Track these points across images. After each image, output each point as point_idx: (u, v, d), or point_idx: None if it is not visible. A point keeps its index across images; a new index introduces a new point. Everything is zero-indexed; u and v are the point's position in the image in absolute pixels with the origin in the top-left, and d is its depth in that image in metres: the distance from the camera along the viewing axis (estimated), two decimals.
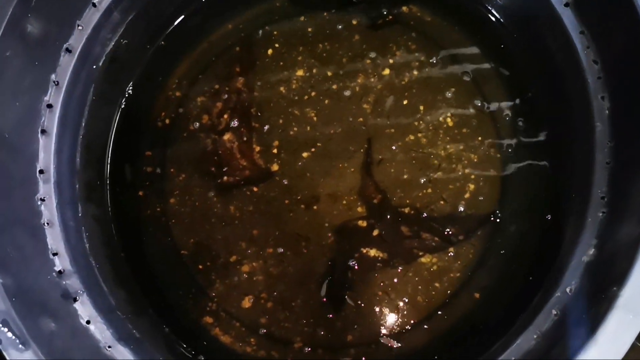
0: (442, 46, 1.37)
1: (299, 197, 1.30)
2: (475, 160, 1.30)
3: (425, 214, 1.27)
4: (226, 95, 1.36)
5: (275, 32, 1.39)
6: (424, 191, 1.29)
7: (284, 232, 1.29)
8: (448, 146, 1.31)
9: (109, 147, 1.29)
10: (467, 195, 1.28)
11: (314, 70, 1.37)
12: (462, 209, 1.27)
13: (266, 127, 1.34)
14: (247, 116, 1.35)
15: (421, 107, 1.33)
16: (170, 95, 1.37)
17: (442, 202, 1.28)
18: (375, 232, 1.26)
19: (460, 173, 1.30)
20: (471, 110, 1.33)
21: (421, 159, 1.31)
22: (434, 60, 1.36)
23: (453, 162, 1.30)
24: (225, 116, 1.35)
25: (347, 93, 1.35)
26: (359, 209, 1.29)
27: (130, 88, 1.34)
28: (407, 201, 1.29)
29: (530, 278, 1.13)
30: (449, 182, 1.29)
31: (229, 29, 1.41)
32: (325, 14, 1.39)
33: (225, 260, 1.28)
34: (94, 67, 1.18)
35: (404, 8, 1.38)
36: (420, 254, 1.25)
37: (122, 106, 1.33)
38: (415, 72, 1.35)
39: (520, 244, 1.22)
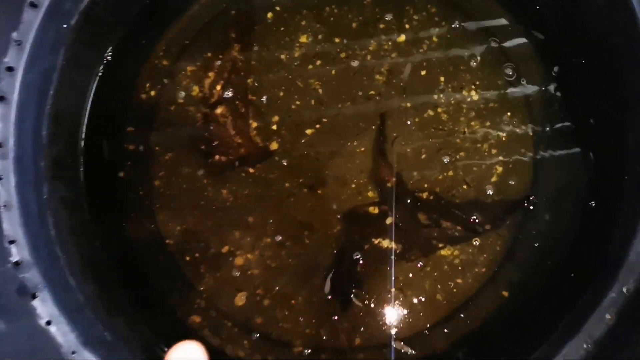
0: (465, 9, 1.20)
1: (301, 180, 1.14)
2: (504, 139, 1.14)
3: (446, 200, 1.11)
4: (220, 64, 1.20)
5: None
6: (445, 174, 1.12)
7: (284, 219, 1.13)
8: (472, 123, 1.14)
9: (83, 120, 1.13)
10: (494, 179, 1.12)
11: (320, 37, 1.20)
12: (489, 193, 1.11)
13: (264, 100, 1.18)
14: (243, 88, 1.19)
15: (441, 79, 1.17)
16: (157, 64, 1.21)
17: (465, 187, 1.12)
18: (389, 220, 1.10)
19: (486, 153, 1.13)
20: (499, 82, 1.16)
21: (442, 137, 1.14)
22: (456, 24, 1.19)
23: (478, 141, 1.14)
24: (218, 88, 1.19)
25: (357, 63, 1.18)
26: (370, 194, 1.13)
27: (110, 53, 1.17)
28: (425, 185, 1.12)
29: (572, 275, 0.97)
30: (473, 163, 1.13)
31: None
32: None
33: (216, 251, 1.12)
34: (65, 26, 1.02)
35: None
36: (440, 245, 1.09)
37: (100, 74, 1.16)
38: (435, 39, 1.19)
39: (557, 234, 1.06)
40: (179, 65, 1.21)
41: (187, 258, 1.12)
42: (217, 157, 1.16)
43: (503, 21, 1.18)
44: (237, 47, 1.21)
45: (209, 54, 1.21)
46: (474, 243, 1.09)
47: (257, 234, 1.13)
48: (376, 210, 1.12)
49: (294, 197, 1.14)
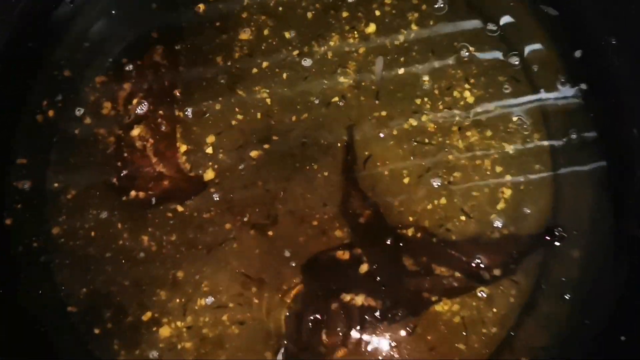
0: None
1: (245, 219, 0.86)
2: (512, 152, 0.86)
3: (438, 237, 0.83)
4: (137, 72, 0.93)
5: None
6: (436, 202, 0.85)
7: (225, 272, 0.85)
8: (468, 133, 0.87)
9: None
10: (501, 206, 0.84)
11: (266, 32, 0.93)
12: (496, 226, 0.83)
13: (195, 116, 0.90)
14: (168, 101, 0.92)
15: (425, 78, 0.90)
16: (56, 75, 0.93)
17: (463, 218, 0.84)
18: (364, 268, 0.82)
19: (488, 173, 0.86)
20: (500, 78, 0.89)
21: (429, 153, 0.87)
22: (440, 4, 0.93)
23: (477, 156, 0.86)
24: (135, 102, 0.91)
25: (313, 62, 0.92)
26: (338, 233, 0.85)
27: None
28: (410, 218, 0.84)
29: (622, 338, 0.69)
30: (472, 187, 0.85)
31: None
32: None
33: (135, 320, 0.84)
34: None
35: None
36: (434, 298, 0.81)
37: None
38: (415, 26, 0.92)
39: (593, 278, 0.78)
40: (85, 75, 0.94)
41: (96, 331, 0.84)
42: (134, 193, 0.88)
43: None
44: (160, 50, 0.94)
45: (124, 60, 0.93)
46: (480, 294, 0.81)
47: (188, 294, 0.84)
48: (346, 256, 0.83)
49: (236, 242, 0.86)
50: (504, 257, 0.80)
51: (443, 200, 0.85)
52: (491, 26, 0.90)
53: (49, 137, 0.92)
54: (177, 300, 0.84)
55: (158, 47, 0.94)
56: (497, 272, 0.80)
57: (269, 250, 0.86)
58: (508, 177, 0.85)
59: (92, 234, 0.88)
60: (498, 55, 0.90)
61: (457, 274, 0.81)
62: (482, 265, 0.81)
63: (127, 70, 0.93)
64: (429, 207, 0.85)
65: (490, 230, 0.83)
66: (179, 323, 0.84)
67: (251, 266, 0.85)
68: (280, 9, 0.94)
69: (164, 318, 0.84)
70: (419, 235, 0.83)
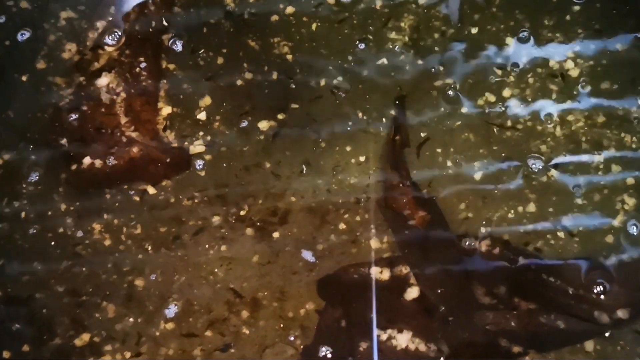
0: None
1: (242, 212, 0.60)
2: (635, 146, 0.60)
3: (524, 257, 0.56)
4: (117, 9, 0.69)
5: None
6: (520, 209, 0.58)
7: (205, 286, 0.58)
8: (570, 117, 0.61)
9: None
10: (620, 219, 0.57)
11: None
12: (613, 247, 0.56)
13: (187, 70, 0.66)
14: (153, 49, 0.67)
15: (508, 41, 0.65)
16: (9, 5, 0.69)
17: (561, 234, 0.57)
18: (412, 295, 0.55)
19: (600, 174, 0.59)
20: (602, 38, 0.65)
21: (512, 141, 0.61)
22: None
23: (582, 149, 0.60)
24: (109, 47, 0.67)
25: (354, 10, 0.67)
26: (375, 243, 0.58)
27: None
28: (483, 229, 0.58)
29: None
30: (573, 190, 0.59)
31: None
32: None
33: (64, 343, 0.57)
34: None
35: None
36: (517, 349, 0.53)
37: None
38: None
39: None
40: (49, 8, 0.70)
41: (5, 354, 0.56)
42: (88, 160, 0.62)
43: None
44: None
45: None
46: (589, 348, 0.53)
47: (148, 313, 0.57)
48: (386, 275, 0.56)
49: (226, 243, 0.60)
50: (630, 291, 0.53)
51: (531, 208, 0.58)
52: None
53: None
54: (131, 320, 0.57)
55: None
56: (621, 314, 0.53)
57: (273, 259, 0.59)
58: (630, 181, 0.59)
59: (22, 215, 0.62)
60: (614, 3, 0.66)
61: (556, 314, 0.53)
62: (595, 301, 0.53)
63: (104, 5, 0.69)
64: (511, 215, 0.58)
65: (605, 253, 0.56)
66: (127, 354, 0.56)
67: (244, 280, 0.59)
68: None
69: (107, 345, 0.57)
70: (495, 251, 0.56)
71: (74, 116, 0.64)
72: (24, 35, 0.69)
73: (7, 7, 0.70)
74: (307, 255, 0.59)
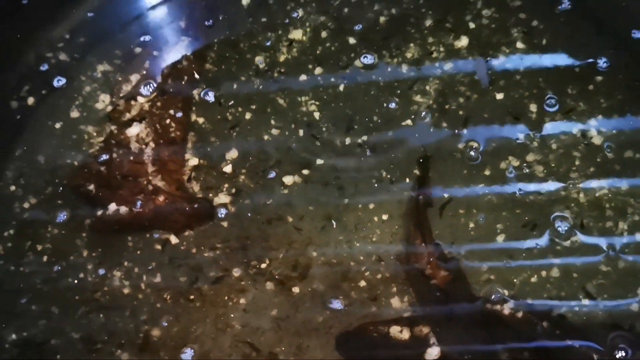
0: None
1: (263, 265, 0.60)
2: None
3: (549, 322, 0.55)
4: (151, 64, 0.72)
5: None
6: (544, 273, 0.57)
7: (223, 338, 0.57)
8: (594, 184, 0.61)
9: None
10: None
11: (323, 34, 0.72)
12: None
13: (216, 124, 0.67)
14: (183, 102, 0.69)
15: (532, 108, 0.66)
16: (49, 57, 0.72)
17: (586, 302, 0.56)
18: (433, 355, 0.53)
19: (625, 241, 0.59)
20: (627, 96, 0.65)
21: (535, 205, 0.61)
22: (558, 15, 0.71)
23: (607, 216, 0.60)
24: (142, 99, 0.69)
25: (383, 74, 0.69)
26: (396, 302, 0.57)
27: None
28: (506, 291, 0.57)
29: None
30: (599, 258, 0.58)
31: None
32: None
33: None
34: None
35: None
36: None
37: None
38: (520, 44, 0.70)
39: None
40: (86, 61, 0.73)
41: None
42: (113, 207, 0.63)
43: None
44: (185, 41, 0.73)
45: (138, 49, 0.73)
46: None
47: None
48: (406, 335, 0.55)
49: (245, 296, 0.59)
50: None
51: (555, 273, 0.58)
52: (637, 34, 0.68)
53: (19, 130, 0.69)
54: None
55: (184, 37, 0.73)
56: None
57: (292, 314, 0.58)
58: None
59: (44, 258, 0.62)
60: (637, 74, 0.67)
61: None
62: None
63: (139, 59, 0.72)
64: (534, 279, 0.58)
65: (630, 321, 0.55)
66: None
67: (262, 334, 0.58)
68: (346, 10, 0.73)
69: None
70: (518, 315, 0.55)
71: (103, 163, 0.66)
72: (59, 82, 0.72)
73: (47, 57, 0.74)
74: (327, 311, 0.58)
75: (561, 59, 0.68)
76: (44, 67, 0.72)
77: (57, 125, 0.69)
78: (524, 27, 0.70)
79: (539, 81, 0.67)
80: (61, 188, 0.65)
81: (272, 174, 0.65)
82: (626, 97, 0.65)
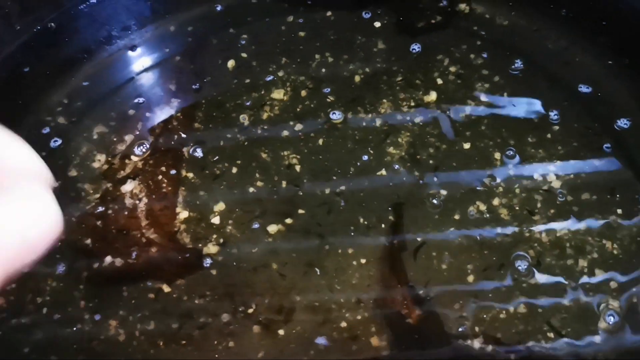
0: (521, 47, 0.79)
1: (250, 310, 0.64)
2: (616, 252, 0.64)
3: (517, 355, 0.59)
4: (143, 125, 0.77)
5: (243, 36, 0.84)
6: (511, 309, 0.62)
7: None
8: (555, 225, 0.66)
9: None
10: (603, 325, 0.60)
11: (303, 93, 0.78)
12: (598, 349, 0.59)
13: (204, 179, 0.72)
14: (173, 159, 0.74)
15: (496, 156, 0.71)
16: (48, 120, 0.78)
17: (551, 335, 0.60)
18: None
19: (586, 277, 0.63)
20: (588, 148, 0.71)
21: (501, 246, 0.65)
22: (517, 64, 0.77)
23: (567, 254, 0.64)
24: (135, 158, 0.74)
25: (358, 128, 0.75)
26: (375, 341, 0.61)
27: None
28: (477, 328, 0.61)
29: None
30: (561, 295, 0.62)
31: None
32: (328, 12, 0.84)
33: None
34: None
35: (462, 6, 0.83)
36: None
37: None
38: (486, 85, 0.76)
39: None
40: (83, 123, 0.78)
41: None
42: (109, 259, 0.67)
43: (594, 71, 0.76)
44: (175, 103, 0.79)
45: (131, 111, 0.78)
46: None
47: None
48: None
49: (234, 339, 0.63)
50: None
51: (522, 309, 0.62)
52: (583, 88, 0.74)
53: None
54: None
55: (173, 99, 0.79)
56: None
57: (278, 355, 0.62)
58: (613, 284, 0.62)
59: (44, 310, 0.66)
60: (588, 123, 0.72)
61: None
62: None
63: (132, 121, 0.77)
64: (502, 315, 0.62)
65: (593, 354, 0.59)
66: None
67: None
68: (323, 70, 0.79)
69: None
70: (488, 349, 0.59)
71: (99, 218, 0.70)
72: (57, 143, 0.77)
73: (46, 121, 0.79)
74: (311, 351, 0.62)
75: (520, 111, 0.74)
76: (45, 130, 0.77)
77: (56, 184, 0.74)
78: (486, 82, 0.76)
79: (501, 131, 0.73)
80: (59, 243, 0.70)
81: (257, 224, 0.69)
82: (580, 143, 0.71)
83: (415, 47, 0.80)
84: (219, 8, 0.86)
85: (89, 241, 0.68)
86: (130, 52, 0.83)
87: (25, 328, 0.65)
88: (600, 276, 0.63)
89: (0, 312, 0.66)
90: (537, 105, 0.74)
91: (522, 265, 0.64)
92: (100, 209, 0.71)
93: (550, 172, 0.69)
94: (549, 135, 0.72)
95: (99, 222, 0.70)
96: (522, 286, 0.63)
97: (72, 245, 0.69)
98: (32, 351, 0.64)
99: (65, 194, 0.73)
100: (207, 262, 0.67)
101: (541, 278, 0.63)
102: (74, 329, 0.64)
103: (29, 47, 0.79)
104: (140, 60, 0.83)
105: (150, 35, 0.84)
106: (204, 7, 0.85)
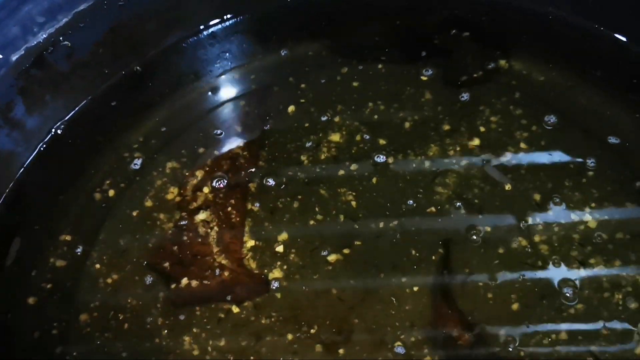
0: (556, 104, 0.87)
1: (312, 331, 0.70)
2: None
3: None
4: (213, 162, 0.85)
5: (302, 85, 0.92)
6: (553, 336, 0.67)
7: None
8: (592, 260, 0.72)
9: None
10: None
11: (358, 137, 0.86)
12: None
13: (269, 212, 0.80)
14: (241, 193, 0.82)
15: (536, 197, 0.78)
16: (126, 157, 0.86)
17: (587, 358, 0.66)
18: None
19: (620, 309, 0.69)
20: (628, 196, 0.77)
21: (543, 279, 0.72)
22: (550, 119, 0.85)
23: (604, 287, 0.71)
24: (206, 190, 0.82)
25: (408, 169, 0.82)
26: (427, 358, 0.68)
27: (60, 126, 0.85)
28: (522, 352, 0.67)
29: None
30: (600, 324, 0.68)
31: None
32: (379, 65, 0.93)
33: None
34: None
35: (502, 62, 0.91)
36: None
37: (41, 149, 0.82)
38: (523, 145, 0.83)
39: None
40: (156, 159, 0.86)
41: None
42: (185, 281, 0.74)
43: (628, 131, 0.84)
44: (242, 143, 0.87)
45: (201, 150, 0.87)
46: None
47: None
48: None
49: (297, 357, 0.69)
50: None
51: (564, 336, 0.68)
52: (613, 140, 0.81)
53: (102, 217, 0.81)
54: None
55: (240, 139, 0.87)
56: None
57: None
58: None
59: (125, 326, 0.72)
60: (620, 170, 0.79)
61: None
62: None
63: (202, 158, 0.86)
64: (545, 341, 0.68)
65: None
66: None
67: None
68: (376, 117, 0.88)
69: None
70: None
71: (175, 244, 0.78)
72: (133, 176, 0.85)
73: (124, 157, 0.87)
74: None
75: (557, 158, 0.81)
76: (123, 164, 0.86)
77: (134, 213, 0.81)
78: (524, 131, 0.84)
79: (540, 175, 0.80)
80: (139, 266, 0.77)
81: (318, 253, 0.77)
82: (614, 188, 0.78)
83: (460, 98, 0.88)
84: (283, 54, 0.95)
85: (167, 265, 0.76)
86: (200, 96, 0.92)
87: (108, 342, 0.72)
88: (634, 307, 0.69)
89: (85, 326, 0.73)
90: (572, 153, 0.81)
91: (562, 296, 0.70)
92: (176, 236, 0.78)
93: (586, 213, 0.76)
94: (584, 180, 0.79)
95: (175, 248, 0.77)
96: (563, 315, 0.69)
97: (151, 268, 0.76)
98: None
99: (142, 222, 0.80)
100: (273, 286, 0.74)
101: (580, 308, 0.69)
102: (153, 343, 0.71)
103: (115, 89, 0.89)
104: (209, 103, 0.92)
105: (218, 82, 0.93)
106: (269, 58, 0.95)
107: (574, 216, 0.76)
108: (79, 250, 0.78)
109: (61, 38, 0.81)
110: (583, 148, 0.82)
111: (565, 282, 0.71)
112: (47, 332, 0.73)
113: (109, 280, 0.76)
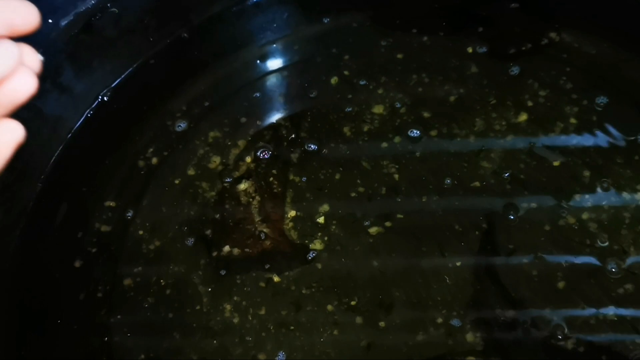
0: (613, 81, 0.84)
1: (353, 302, 0.70)
2: None
3: (609, 357, 0.63)
4: (255, 132, 0.85)
5: (345, 57, 0.91)
6: (601, 316, 0.66)
7: None
8: None
9: (45, 168, 0.78)
10: None
11: (402, 110, 0.84)
12: None
13: (311, 183, 0.79)
14: (283, 164, 0.82)
15: (585, 173, 0.76)
16: (169, 125, 0.87)
17: (635, 336, 0.64)
18: None
19: None
20: None
21: (591, 257, 0.70)
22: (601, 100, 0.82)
23: None
24: (249, 160, 0.82)
25: (453, 144, 0.81)
26: (469, 337, 0.66)
27: (107, 93, 0.86)
28: (566, 330, 0.65)
29: None
30: None
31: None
32: (425, 37, 0.91)
33: None
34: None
35: (552, 34, 0.88)
36: None
37: (88, 115, 0.83)
38: (573, 120, 0.81)
39: None
40: (199, 128, 0.86)
41: None
42: (227, 248, 0.75)
43: None
44: (285, 112, 0.87)
45: (243, 119, 0.86)
46: None
47: None
48: None
49: (338, 328, 0.69)
50: None
51: (612, 317, 0.66)
52: None
53: (145, 184, 0.82)
54: None
55: (282, 110, 0.87)
56: None
57: (379, 344, 0.68)
58: None
59: (167, 292, 0.73)
60: None
61: None
62: None
63: (245, 128, 0.85)
64: (592, 322, 0.66)
65: None
66: None
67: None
68: (420, 89, 0.86)
69: None
70: (581, 350, 0.64)
71: (217, 212, 0.78)
72: (175, 144, 0.86)
73: (167, 125, 0.88)
74: (409, 342, 0.67)
75: (608, 134, 0.78)
76: (166, 132, 0.86)
77: (177, 181, 0.82)
78: (575, 106, 0.81)
79: (590, 151, 0.78)
80: (181, 233, 0.78)
81: (359, 225, 0.76)
82: None
83: (507, 72, 0.86)
84: (327, 25, 0.94)
85: (209, 232, 0.76)
86: (243, 66, 0.92)
87: (151, 306, 0.73)
88: None
89: (128, 290, 0.74)
90: (624, 129, 0.78)
91: (611, 274, 0.68)
92: (218, 204, 0.78)
93: (638, 191, 0.74)
94: (636, 157, 0.76)
95: (217, 216, 0.77)
96: (611, 295, 0.67)
97: (194, 234, 0.77)
98: (157, 328, 0.71)
99: (185, 190, 0.81)
100: (314, 256, 0.74)
101: (630, 288, 0.67)
102: (193, 309, 0.72)
103: (160, 56, 0.89)
104: (252, 73, 0.91)
105: (261, 51, 0.93)
106: (312, 29, 0.94)
107: (625, 194, 0.74)
108: (123, 216, 0.79)
109: (109, 4, 0.81)
110: (635, 124, 0.79)
111: (614, 261, 0.69)
112: (92, 294, 0.74)
113: (152, 247, 0.77)
